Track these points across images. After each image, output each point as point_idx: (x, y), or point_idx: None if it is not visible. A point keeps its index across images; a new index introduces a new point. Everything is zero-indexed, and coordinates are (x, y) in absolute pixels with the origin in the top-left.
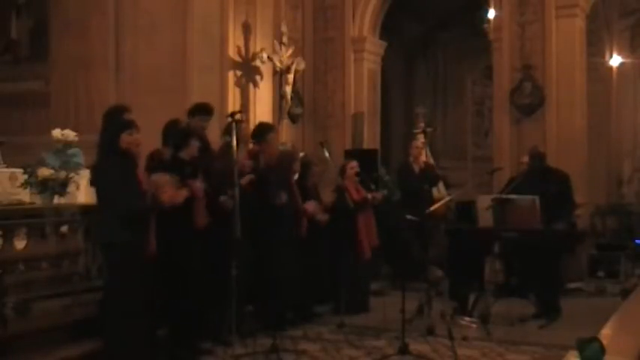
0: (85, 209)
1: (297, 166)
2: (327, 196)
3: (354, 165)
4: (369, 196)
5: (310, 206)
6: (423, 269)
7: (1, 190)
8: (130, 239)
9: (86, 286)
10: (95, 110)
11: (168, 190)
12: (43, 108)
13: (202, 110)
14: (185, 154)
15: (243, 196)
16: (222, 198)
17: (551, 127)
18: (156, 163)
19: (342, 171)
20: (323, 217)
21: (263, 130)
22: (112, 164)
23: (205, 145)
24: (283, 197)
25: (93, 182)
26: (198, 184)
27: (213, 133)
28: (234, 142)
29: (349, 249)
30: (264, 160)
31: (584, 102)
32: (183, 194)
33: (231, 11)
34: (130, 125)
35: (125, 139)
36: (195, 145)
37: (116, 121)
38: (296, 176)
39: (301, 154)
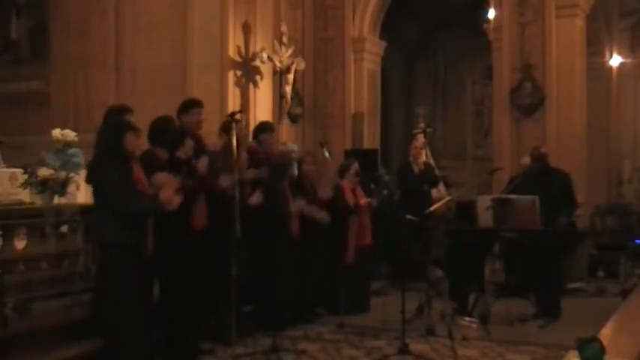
0: (85, 209)
1: (292, 171)
2: (327, 196)
3: (355, 166)
4: (362, 201)
5: (300, 204)
6: (423, 269)
7: (1, 190)
8: (128, 239)
9: (86, 286)
10: (95, 110)
11: (169, 190)
12: (43, 108)
13: (193, 104)
14: (181, 154)
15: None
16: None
17: (551, 127)
18: (151, 163)
19: (342, 171)
20: (323, 216)
21: (259, 129)
22: (113, 164)
23: (199, 143)
24: (255, 199)
25: (90, 180)
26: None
27: (214, 133)
28: (234, 142)
29: (340, 249)
30: (259, 159)
31: (584, 102)
32: (176, 200)
33: (231, 11)
34: (135, 128)
35: (131, 139)
36: (190, 143)
37: (120, 121)
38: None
39: (294, 151)
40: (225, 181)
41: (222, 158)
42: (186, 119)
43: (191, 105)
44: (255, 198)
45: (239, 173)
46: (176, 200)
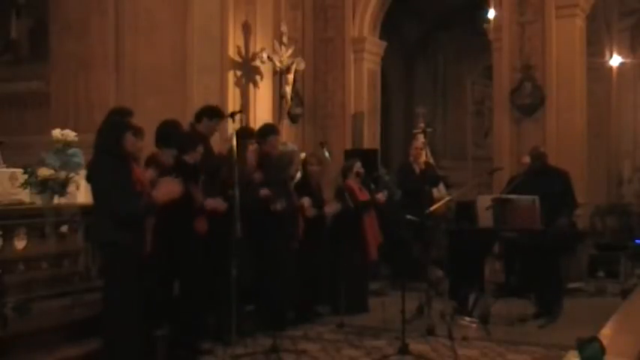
0: (85, 209)
1: (294, 169)
2: (328, 196)
3: (358, 165)
4: (377, 195)
5: (306, 202)
6: (423, 269)
7: (1, 190)
8: (125, 239)
9: (86, 286)
10: (95, 110)
11: (162, 187)
12: (43, 108)
13: (221, 115)
14: (190, 158)
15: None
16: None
17: (551, 127)
18: (156, 166)
19: (345, 171)
20: (310, 211)
21: (265, 131)
22: (111, 164)
23: (208, 150)
24: (280, 205)
25: (90, 179)
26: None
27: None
28: (234, 143)
29: (354, 250)
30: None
31: (584, 102)
32: (177, 187)
33: (231, 11)
34: (136, 129)
35: (130, 139)
36: (200, 150)
37: (121, 122)
38: (297, 176)
39: (302, 155)
40: (210, 204)
41: (228, 164)
42: (209, 124)
43: (219, 115)
44: (280, 205)
45: (242, 175)
46: (176, 188)
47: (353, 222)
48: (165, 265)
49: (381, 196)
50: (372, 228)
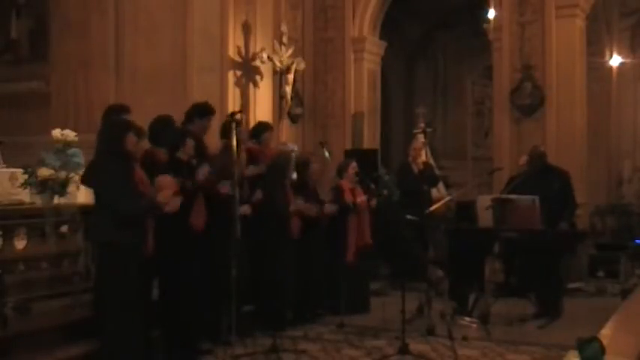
0: (85, 209)
1: (291, 169)
2: (327, 195)
3: (354, 165)
4: (360, 199)
5: (297, 204)
6: (423, 269)
7: (1, 190)
8: (127, 239)
9: (86, 286)
10: (95, 110)
11: (167, 192)
12: (43, 108)
13: (212, 112)
14: (182, 154)
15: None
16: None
17: (551, 127)
18: (152, 164)
19: (340, 170)
20: (315, 211)
21: (259, 129)
22: (113, 164)
23: (201, 146)
24: (225, 188)
25: (86, 179)
26: (205, 170)
27: (211, 134)
28: (234, 142)
29: (340, 249)
30: (261, 159)
31: (584, 102)
32: (177, 201)
33: (231, 11)
34: (137, 129)
35: (132, 139)
36: (191, 143)
37: (122, 121)
38: (294, 175)
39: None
40: (225, 188)
41: (221, 161)
42: (201, 123)
43: (210, 112)
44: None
45: (239, 173)
46: (175, 202)
47: (340, 222)
48: (165, 264)
49: (372, 201)
50: (355, 230)
